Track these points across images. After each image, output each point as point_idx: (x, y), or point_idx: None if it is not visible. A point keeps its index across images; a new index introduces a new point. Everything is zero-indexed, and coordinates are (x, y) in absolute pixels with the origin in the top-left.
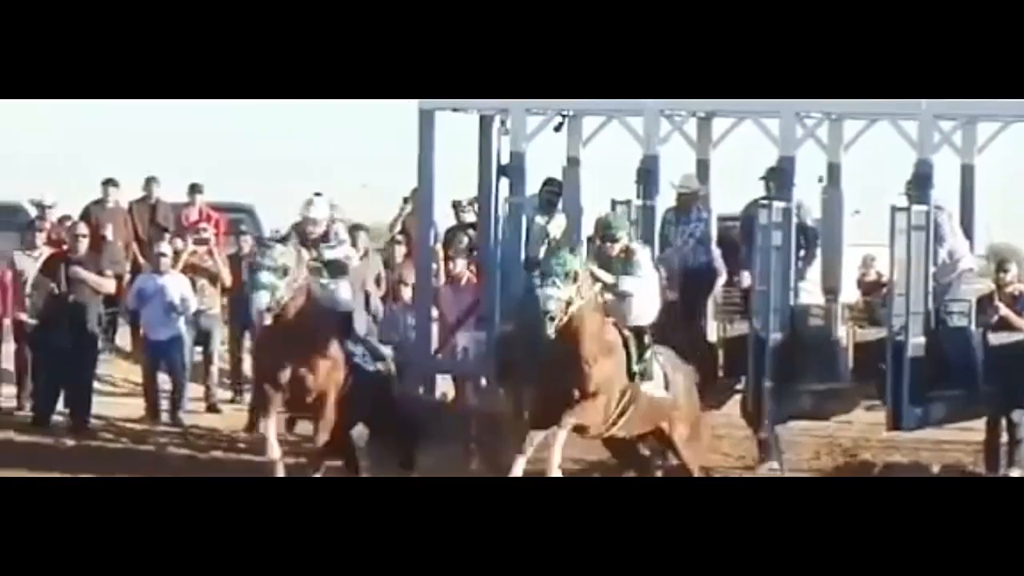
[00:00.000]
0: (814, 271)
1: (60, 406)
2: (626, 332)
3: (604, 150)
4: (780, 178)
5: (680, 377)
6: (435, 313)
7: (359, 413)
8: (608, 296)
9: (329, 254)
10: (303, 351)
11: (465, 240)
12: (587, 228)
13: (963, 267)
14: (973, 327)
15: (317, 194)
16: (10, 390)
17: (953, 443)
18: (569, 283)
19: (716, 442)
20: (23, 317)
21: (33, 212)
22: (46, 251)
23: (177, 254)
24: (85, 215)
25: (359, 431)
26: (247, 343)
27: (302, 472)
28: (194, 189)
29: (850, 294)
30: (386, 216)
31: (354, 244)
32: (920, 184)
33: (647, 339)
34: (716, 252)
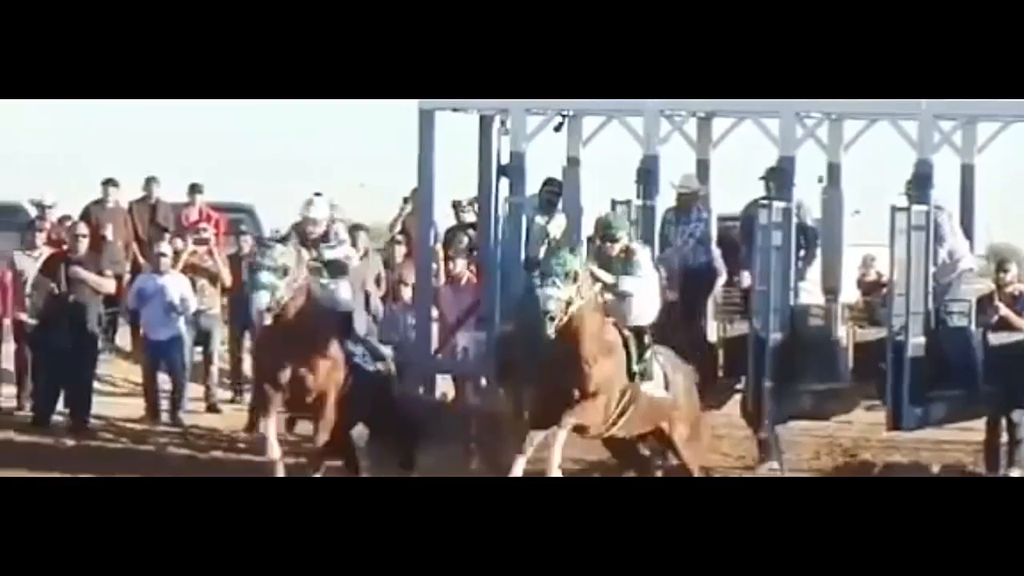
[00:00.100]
0: (814, 271)
1: (60, 406)
2: (626, 332)
3: (604, 150)
4: (780, 178)
5: (680, 377)
6: (435, 313)
7: (359, 413)
8: (608, 296)
9: (329, 254)
10: (303, 351)
11: (465, 240)
12: (587, 228)
13: (963, 267)
14: (973, 327)
15: (317, 194)
16: (10, 390)
17: (953, 443)
18: (569, 283)
19: (716, 442)
20: (23, 317)
21: (33, 212)
22: (46, 251)
23: (177, 254)
24: (85, 215)
25: (359, 431)
26: (247, 343)
27: (302, 472)
28: (194, 189)
29: (850, 294)
30: (386, 216)
31: (354, 244)
32: (920, 184)
33: (647, 339)
34: (716, 252)
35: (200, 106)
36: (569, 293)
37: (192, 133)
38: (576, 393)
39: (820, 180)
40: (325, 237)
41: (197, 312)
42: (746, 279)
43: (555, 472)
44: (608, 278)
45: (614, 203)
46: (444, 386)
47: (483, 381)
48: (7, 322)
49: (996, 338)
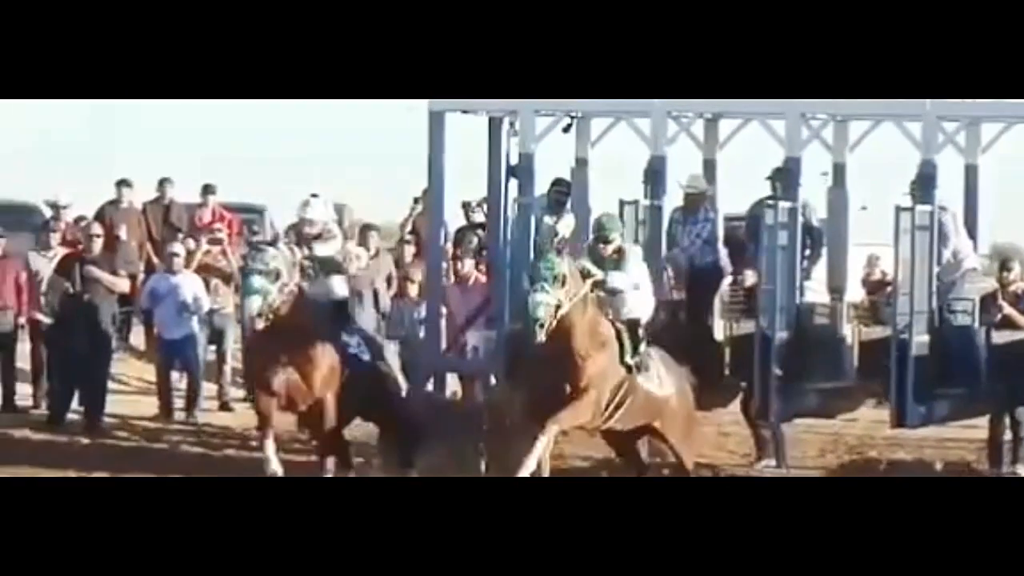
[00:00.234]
0: (820, 270)
1: (75, 405)
2: (619, 325)
3: (612, 151)
4: (786, 178)
5: (674, 378)
6: (444, 312)
7: (353, 405)
8: (601, 292)
9: (321, 250)
10: (297, 356)
11: (475, 240)
12: None
13: (967, 266)
14: (977, 325)
15: (314, 195)
16: (26, 389)
17: (957, 441)
18: (558, 287)
19: (722, 440)
20: (39, 317)
21: (48, 212)
22: (61, 251)
23: (190, 254)
24: (99, 215)
25: (368, 431)
26: None
27: (311, 472)
28: (207, 190)
29: (855, 293)
30: (397, 216)
31: (366, 244)
32: (924, 184)
33: (640, 332)
34: (723, 252)
35: (213, 107)
36: (558, 297)
37: (206, 134)
38: (568, 388)
39: (824, 174)
40: (319, 236)
41: (210, 311)
42: (749, 278)
43: (525, 474)
44: (598, 273)
45: (622, 203)
46: (454, 385)
47: (492, 379)
48: (23, 321)
49: (999, 336)
